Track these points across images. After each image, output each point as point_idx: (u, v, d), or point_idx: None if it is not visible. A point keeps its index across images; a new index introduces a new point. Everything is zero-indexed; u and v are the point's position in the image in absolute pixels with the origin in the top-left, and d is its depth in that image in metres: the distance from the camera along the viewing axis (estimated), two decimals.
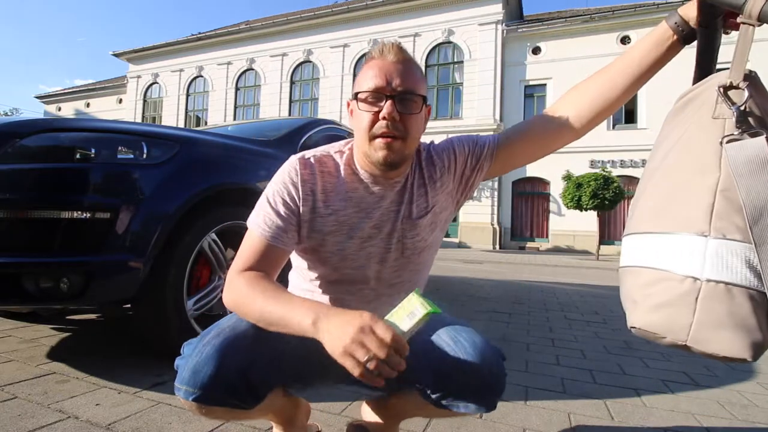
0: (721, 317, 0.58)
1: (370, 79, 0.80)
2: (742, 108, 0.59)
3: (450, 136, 0.98)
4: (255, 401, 0.77)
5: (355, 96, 0.82)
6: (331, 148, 0.91)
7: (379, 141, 0.80)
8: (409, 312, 0.66)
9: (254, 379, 0.75)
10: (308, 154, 0.89)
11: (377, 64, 0.80)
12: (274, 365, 0.80)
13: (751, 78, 0.61)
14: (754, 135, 0.58)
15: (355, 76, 17.47)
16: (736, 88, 0.61)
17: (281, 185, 0.85)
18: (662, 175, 0.68)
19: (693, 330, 0.60)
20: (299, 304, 0.70)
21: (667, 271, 0.63)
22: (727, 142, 0.59)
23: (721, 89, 0.62)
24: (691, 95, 0.68)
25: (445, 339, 0.81)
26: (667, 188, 0.67)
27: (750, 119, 0.60)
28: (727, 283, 0.58)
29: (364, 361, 0.60)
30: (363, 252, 0.89)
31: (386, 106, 0.78)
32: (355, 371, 0.60)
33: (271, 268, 0.83)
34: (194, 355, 0.72)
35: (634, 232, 0.71)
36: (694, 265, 0.60)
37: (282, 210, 0.83)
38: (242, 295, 0.76)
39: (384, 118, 0.78)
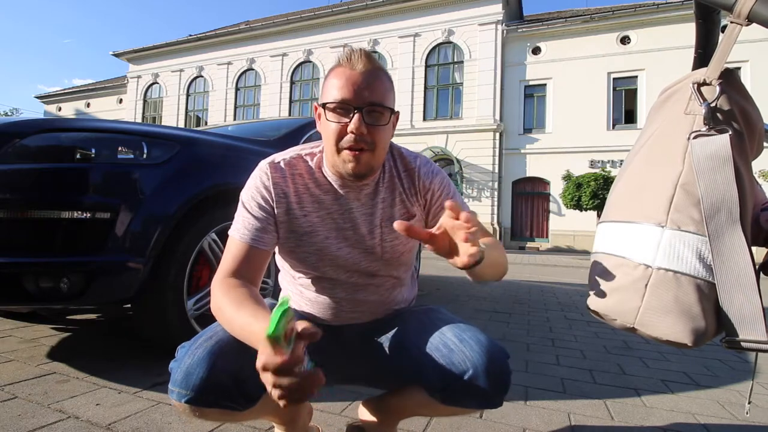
0: (668, 303, 0.61)
1: (337, 89, 0.79)
2: (712, 105, 0.61)
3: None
4: (249, 403, 0.78)
5: (323, 105, 0.81)
6: (302, 150, 0.92)
7: (346, 153, 0.80)
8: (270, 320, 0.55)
9: (247, 380, 0.75)
10: (278, 158, 0.89)
11: (345, 73, 0.79)
12: None
13: (727, 75, 0.62)
14: (720, 132, 0.59)
15: None
16: (710, 84, 0.62)
17: (254, 190, 0.87)
18: (635, 167, 0.71)
19: (640, 314, 0.63)
20: (255, 320, 0.67)
21: (625, 258, 0.66)
22: (694, 137, 0.61)
23: (695, 85, 0.63)
24: (671, 90, 0.70)
25: (450, 338, 0.82)
26: (636, 179, 0.70)
27: (719, 116, 0.61)
28: (675, 272, 0.61)
29: (276, 397, 0.54)
30: (340, 252, 0.90)
31: (354, 120, 0.77)
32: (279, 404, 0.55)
33: (255, 271, 0.84)
34: (186, 358, 0.72)
35: (605, 220, 0.74)
36: (649, 254, 0.63)
37: (258, 213, 0.85)
38: (217, 304, 0.76)
39: (352, 132, 0.78)
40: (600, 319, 0.71)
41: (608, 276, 0.68)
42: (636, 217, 0.66)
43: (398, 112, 0.86)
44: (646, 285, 0.62)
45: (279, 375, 0.52)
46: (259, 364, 0.54)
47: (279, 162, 0.89)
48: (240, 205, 0.88)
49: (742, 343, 0.58)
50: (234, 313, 0.72)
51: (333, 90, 0.79)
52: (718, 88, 0.61)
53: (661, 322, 0.61)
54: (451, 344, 0.80)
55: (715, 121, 0.61)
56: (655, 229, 0.62)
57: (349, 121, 0.78)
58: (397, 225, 0.66)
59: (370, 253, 0.91)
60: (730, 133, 0.58)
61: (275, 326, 0.52)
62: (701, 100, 0.62)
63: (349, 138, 0.79)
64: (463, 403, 0.81)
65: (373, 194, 0.90)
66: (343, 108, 0.79)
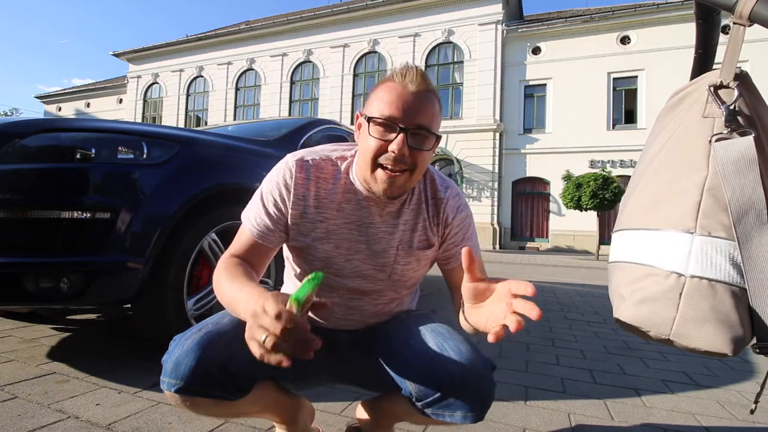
0: (704, 312, 0.59)
1: (386, 105, 0.76)
2: (732, 107, 0.60)
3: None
4: (240, 393, 0.78)
5: (368, 119, 0.78)
6: (334, 152, 0.89)
7: (381, 173, 0.77)
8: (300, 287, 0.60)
9: (236, 371, 0.75)
10: (308, 156, 0.87)
11: (397, 90, 0.76)
12: (256, 359, 0.79)
13: (742, 77, 0.61)
14: (742, 134, 0.58)
15: (355, 76, 17.45)
16: (727, 87, 0.62)
17: (274, 185, 0.85)
18: (653, 172, 0.69)
19: (676, 324, 0.61)
20: (243, 290, 0.69)
21: (654, 267, 0.64)
22: (716, 140, 0.60)
23: (712, 88, 0.62)
24: (683, 93, 0.68)
25: (432, 347, 0.79)
26: (657, 185, 0.67)
27: (739, 118, 0.60)
28: (710, 280, 0.59)
29: (261, 341, 0.55)
30: (349, 264, 0.88)
31: (397, 141, 0.75)
32: (256, 354, 0.56)
33: (258, 262, 0.86)
34: (177, 349, 0.74)
35: (624, 228, 0.72)
36: (680, 262, 0.61)
37: (272, 210, 0.84)
38: (216, 277, 0.79)
39: (393, 152, 0.75)
40: (628, 331, 0.69)
41: (637, 286, 0.66)
42: (660, 224, 0.64)
43: (440, 137, 0.83)
44: (680, 294, 0.60)
45: (281, 332, 0.54)
46: (273, 310, 0.55)
47: (308, 160, 0.86)
48: (258, 192, 0.87)
49: None
50: (227, 284, 0.75)
51: (381, 104, 0.76)
52: (736, 91, 0.60)
53: (698, 332, 0.59)
54: (432, 353, 0.78)
55: (736, 123, 0.60)
56: (684, 236, 0.61)
57: (393, 140, 0.75)
58: (465, 252, 0.65)
59: (379, 270, 0.89)
60: (754, 134, 0.57)
61: (304, 291, 0.58)
62: (720, 103, 0.61)
63: (388, 156, 0.76)
64: (442, 416, 0.78)
65: (397, 214, 0.88)
66: (388, 126, 0.76)
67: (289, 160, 0.86)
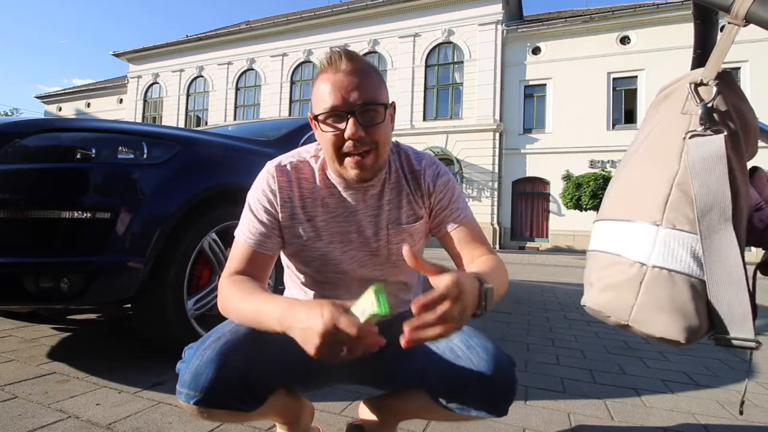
0: (662, 301, 0.61)
1: (326, 96, 0.76)
2: (709, 105, 0.61)
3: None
4: (256, 404, 0.77)
5: (315, 117, 0.79)
6: (307, 153, 0.91)
7: (348, 160, 0.79)
8: (362, 309, 0.60)
9: (255, 381, 0.75)
10: (285, 160, 0.89)
11: (329, 79, 0.77)
12: (275, 368, 0.79)
13: (723, 76, 0.62)
14: (716, 132, 0.60)
15: None
16: (707, 85, 0.63)
17: (260, 193, 0.87)
18: (632, 165, 0.72)
19: (634, 311, 0.64)
20: (268, 302, 0.69)
21: (620, 256, 0.66)
22: (690, 137, 0.62)
23: (692, 86, 0.64)
24: (670, 89, 0.70)
25: (457, 343, 0.81)
26: (633, 178, 0.70)
27: (715, 116, 0.62)
28: (670, 270, 0.61)
29: (339, 357, 0.59)
30: (345, 256, 0.89)
31: (349, 126, 0.75)
32: (330, 362, 0.60)
33: (259, 273, 0.85)
34: (195, 359, 0.72)
35: (601, 218, 0.75)
36: (644, 252, 0.63)
37: (264, 217, 0.85)
38: (225, 297, 0.78)
39: (350, 138, 0.76)
40: (594, 315, 0.72)
41: (603, 273, 0.69)
42: (631, 215, 0.66)
43: (393, 103, 0.84)
44: (641, 283, 0.63)
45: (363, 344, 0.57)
46: (352, 331, 0.56)
47: (285, 165, 0.88)
48: (246, 206, 0.88)
49: (731, 341, 0.59)
50: (243, 301, 0.73)
51: (321, 98, 0.77)
52: (714, 89, 0.62)
53: (655, 319, 0.62)
54: (458, 350, 0.79)
55: (711, 121, 0.61)
56: (651, 228, 0.63)
57: (345, 128, 0.76)
58: (406, 252, 0.62)
59: (375, 255, 0.90)
60: (726, 133, 0.59)
61: (383, 303, 0.56)
62: (698, 100, 0.62)
63: (348, 144, 0.77)
64: (467, 410, 0.80)
65: (379, 195, 0.89)
66: (335, 115, 0.77)
67: (269, 167, 0.88)
